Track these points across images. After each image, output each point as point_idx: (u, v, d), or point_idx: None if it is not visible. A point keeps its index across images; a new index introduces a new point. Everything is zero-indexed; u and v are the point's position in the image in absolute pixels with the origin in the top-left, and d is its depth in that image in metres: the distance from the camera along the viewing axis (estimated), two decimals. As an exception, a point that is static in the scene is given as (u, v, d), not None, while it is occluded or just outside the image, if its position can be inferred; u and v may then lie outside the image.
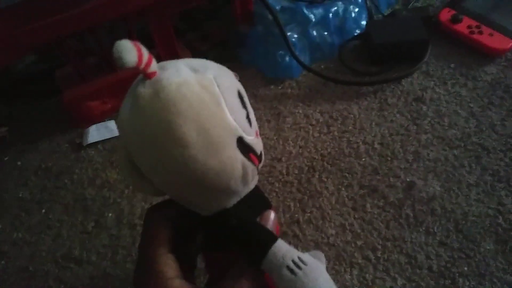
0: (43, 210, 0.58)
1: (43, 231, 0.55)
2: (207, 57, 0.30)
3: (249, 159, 0.28)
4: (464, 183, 0.53)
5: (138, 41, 0.24)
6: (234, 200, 0.30)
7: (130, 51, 0.23)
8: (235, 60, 0.73)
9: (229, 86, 0.28)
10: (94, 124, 0.66)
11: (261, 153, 0.31)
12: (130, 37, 0.61)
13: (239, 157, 0.27)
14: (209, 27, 0.78)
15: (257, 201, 0.33)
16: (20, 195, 0.60)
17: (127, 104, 0.27)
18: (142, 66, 0.24)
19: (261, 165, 0.32)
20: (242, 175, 0.28)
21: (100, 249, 0.52)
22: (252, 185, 0.32)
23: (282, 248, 0.28)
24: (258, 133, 0.31)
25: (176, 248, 0.30)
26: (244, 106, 0.29)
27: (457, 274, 0.46)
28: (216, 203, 0.30)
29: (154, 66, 0.25)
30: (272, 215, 0.32)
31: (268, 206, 0.34)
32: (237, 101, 0.28)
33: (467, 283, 0.45)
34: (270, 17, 0.67)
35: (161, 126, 0.25)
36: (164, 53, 0.68)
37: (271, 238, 0.29)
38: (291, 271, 0.26)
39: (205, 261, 0.35)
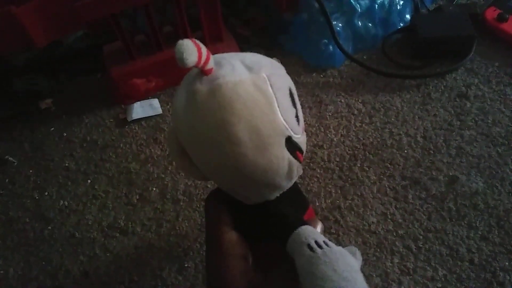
0: (89, 181, 0.59)
1: (89, 201, 0.57)
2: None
3: (296, 157, 0.29)
4: (507, 181, 0.53)
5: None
6: (277, 193, 0.31)
7: (191, 51, 0.23)
8: (277, 47, 0.74)
9: (281, 86, 0.28)
10: (138, 101, 0.67)
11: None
12: (181, 20, 0.62)
13: (286, 155, 0.28)
14: (251, 12, 0.79)
15: (296, 196, 0.34)
16: (66, 165, 0.62)
17: (182, 96, 0.28)
18: (201, 64, 0.25)
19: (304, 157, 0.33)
20: (288, 172, 0.29)
21: (145, 221, 0.54)
22: (295, 179, 0.32)
23: (309, 230, 0.28)
24: (303, 128, 0.31)
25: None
26: (294, 105, 0.29)
27: (498, 268, 0.46)
28: (260, 195, 0.30)
29: (211, 63, 0.26)
30: (319, 225, 0.33)
31: (307, 203, 0.35)
32: (288, 100, 0.28)
33: (508, 278, 0.45)
34: (315, 5, 0.67)
35: (215, 124, 0.26)
36: (209, 36, 0.69)
37: (300, 222, 0.29)
38: (311, 249, 0.26)
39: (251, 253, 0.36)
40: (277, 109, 0.27)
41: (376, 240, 0.50)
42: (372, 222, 0.51)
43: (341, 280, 0.25)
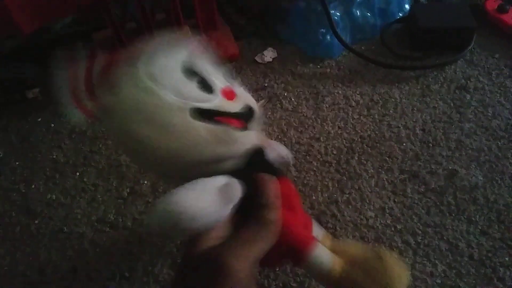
0: (78, 173, 0.57)
1: (77, 194, 0.55)
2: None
3: (218, 122, 0.28)
4: (507, 174, 0.52)
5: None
6: (229, 164, 0.30)
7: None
8: (274, 36, 0.72)
9: (165, 68, 0.28)
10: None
11: (246, 108, 0.30)
12: (173, 7, 0.60)
13: (197, 125, 0.27)
14: (246, 0, 0.76)
15: (267, 169, 0.32)
16: (54, 157, 0.59)
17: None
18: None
19: (257, 118, 0.31)
20: (214, 139, 0.28)
21: (136, 215, 0.52)
22: (246, 145, 0.30)
23: (235, 185, 0.28)
24: (234, 91, 0.30)
25: None
26: (195, 75, 0.29)
27: (498, 264, 0.45)
28: (208, 173, 0.29)
29: None
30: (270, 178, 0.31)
31: (276, 173, 0.33)
32: (178, 76, 0.28)
33: (508, 273, 0.45)
34: (313, -7, 0.65)
35: (122, 130, 0.28)
36: (203, 23, 0.67)
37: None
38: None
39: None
40: (164, 92, 0.27)
41: (374, 234, 0.48)
42: (370, 216, 0.50)
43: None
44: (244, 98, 0.31)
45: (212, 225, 0.26)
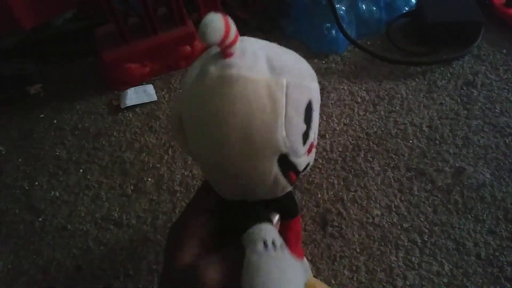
0: (81, 170, 0.57)
1: (81, 191, 0.55)
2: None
3: (287, 176, 0.27)
4: (515, 172, 0.52)
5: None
6: (255, 199, 0.29)
7: (218, 29, 0.21)
8: (278, 31, 0.71)
9: (299, 98, 0.25)
10: (131, 87, 0.64)
11: (307, 165, 0.29)
12: (176, 1, 0.59)
13: (274, 171, 0.26)
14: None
15: (283, 202, 0.31)
16: (57, 154, 0.59)
17: (194, 72, 0.26)
18: (225, 45, 0.23)
19: (303, 174, 0.30)
20: (271, 187, 0.27)
21: (140, 213, 0.52)
22: (280, 195, 0.29)
23: (270, 229, 0.26)
24: (314, 146, 0.29)
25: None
26: (308, 121, 0.26)
27: (505, 263, 0.45)
28: (238, 195, 0.28)
29: (236, 46, 0.24)
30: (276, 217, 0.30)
31: (293, 212, 0.32)
32: (300, 115, 0.25)
33: (516, 273, 0.44)
34: (318, -13, 0.64)
35: (211, 113, 0.24)
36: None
37: (265, 219, 0.27)
38: (266, 247, 0.25)
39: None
40: (283, 123, 0.24)
41: (381, 233, 0.48)
42: (376, 214, 0.49)
43: (285, 281, 0.24)
44: (313, 154, 0.29)
45: None
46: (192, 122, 0.26)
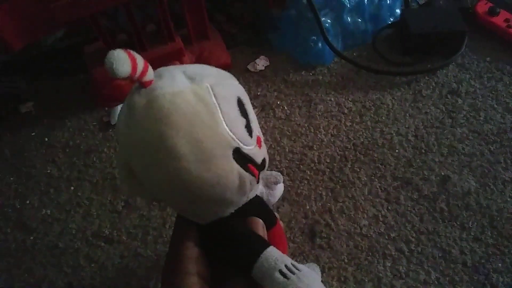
0: (72, 188, 0.57)
1: (72, 209, 0.55)
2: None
3: (248, 169, 0.27)
4: (500, 179, 0.52)
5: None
6: (231, 210, 0.29)
7: (123, 61, 0.22)
8: (266, 44, 0.72)
9: (227, 95, 0.26)
10: (122, 103, 0.65)
11: (264, 161, 0.30)
12: (164, 18, 0.60)
13: (235, 168, 0.26)
14: (237, 8, 0.77)
15: (258, 211, 0.31)
16: (48, 171, 0.60)
17: (123, 111, 0.26)
18: (137, 75, 0.23)
19: (265, 171, 0.31)
20: (239, 186, 0.27)
21: (131, 229, 0.52)
22: (251, 195, 0.30)
23: (275, 253, 0.26)
24: (261, 140, 0.30)
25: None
26: (245, 115, 0.27)
27: (491, 270, 0.46)
28: (211, 213, 0.28)
29: (150, 74, 0.25)
30: (260, 222, 0.30)
31: (272, 219, 0.33)
32: (235, 110, 0.27)
33: (501, 280, 0.45)
34: (304, 0, 0.65)
35: (154, 138, 0.24)
36: (195, 33, 0.67)
37: (263, 244, 0.28)
38: (284, 275, 0.25)
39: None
40: (222, 119, 0.25)
41: (368, 243, 0.49)
42: (364, 225, 0.50)
43: None
44: (264, 148, 0.30)
45: None
46: (143, 158, 0.26)
